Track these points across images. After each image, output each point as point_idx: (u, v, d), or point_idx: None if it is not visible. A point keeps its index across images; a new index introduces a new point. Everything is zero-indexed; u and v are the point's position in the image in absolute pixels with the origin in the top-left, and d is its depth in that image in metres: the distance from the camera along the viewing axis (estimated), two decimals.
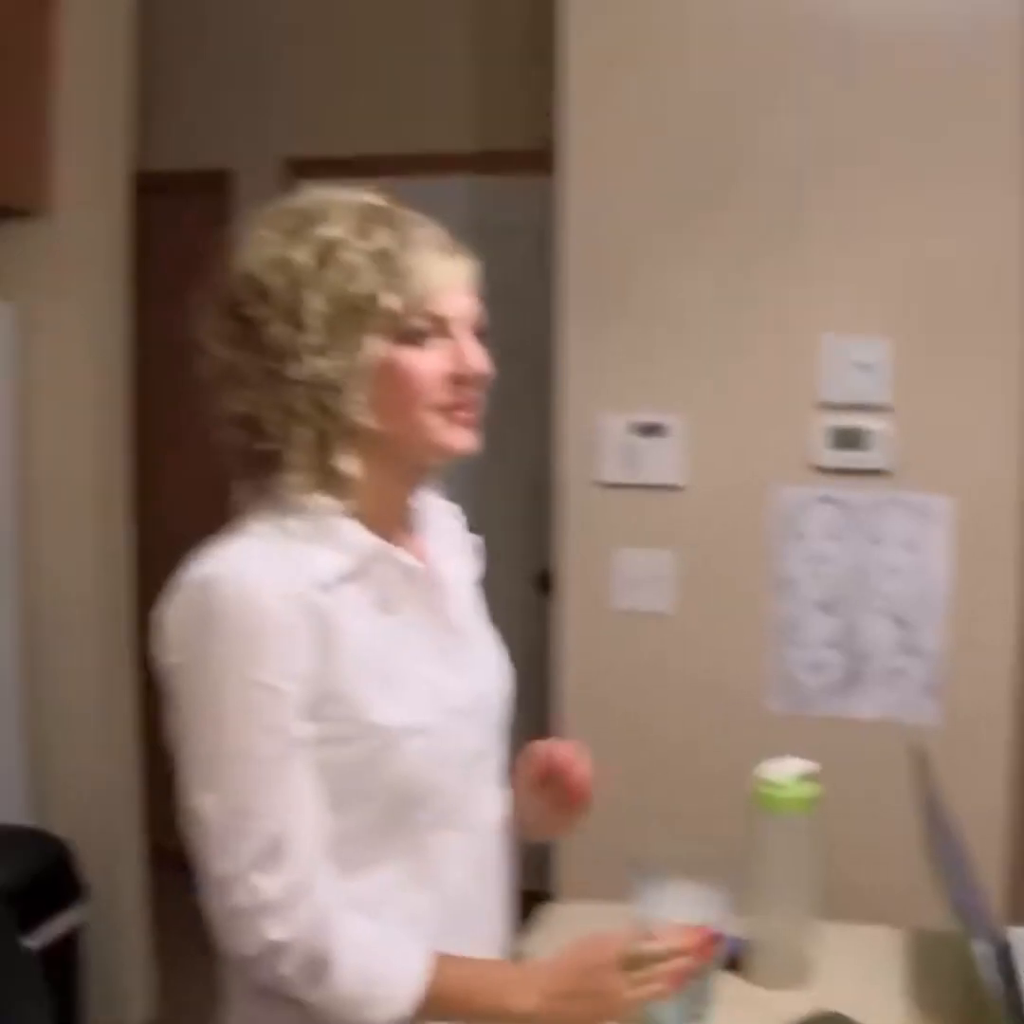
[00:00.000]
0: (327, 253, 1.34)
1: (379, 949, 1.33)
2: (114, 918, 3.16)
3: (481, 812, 1.48)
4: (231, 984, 1.43)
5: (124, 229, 3.23)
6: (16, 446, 3.12)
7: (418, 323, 1.37)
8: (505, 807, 1.55)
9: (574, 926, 1.53)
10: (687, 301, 2.82)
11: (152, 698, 3.08)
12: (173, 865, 3.39)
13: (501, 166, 4.14)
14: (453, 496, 1.59)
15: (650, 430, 2.88)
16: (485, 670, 1.53)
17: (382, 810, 1.38)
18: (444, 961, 1.33)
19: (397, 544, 1.43)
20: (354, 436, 1.37)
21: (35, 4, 3.04)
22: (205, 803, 1.32)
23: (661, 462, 2.88)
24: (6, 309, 3.08)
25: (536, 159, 3.69)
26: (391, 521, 1.44)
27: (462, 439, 1.41)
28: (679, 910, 1.47)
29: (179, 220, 4.25)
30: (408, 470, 1.46)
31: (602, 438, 2.89)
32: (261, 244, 1.37)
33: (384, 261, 1.35)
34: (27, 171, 3.06)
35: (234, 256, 1.37)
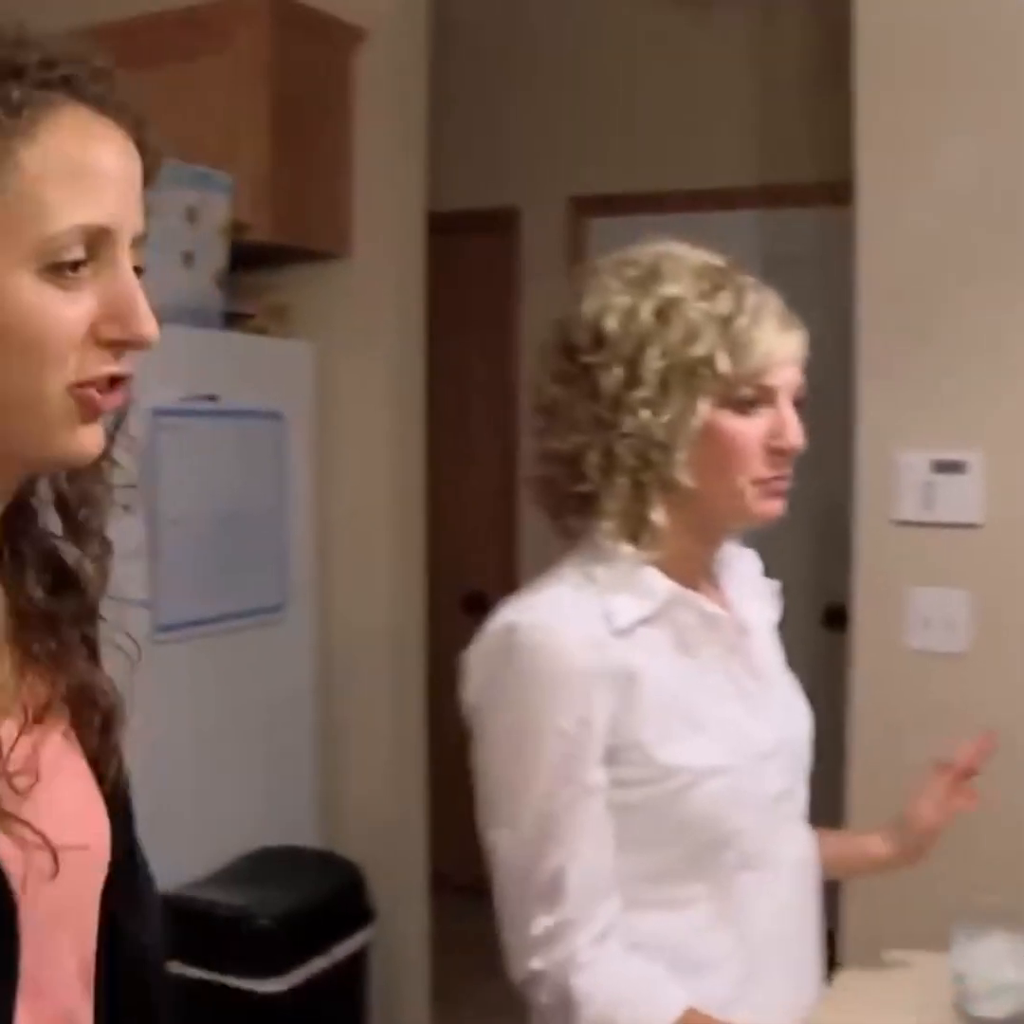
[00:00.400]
0: (670, 310, 1.38)
1: (634, 989, 1.36)
2: (398, 941, 3.22)
3: (786, 852, 1.49)
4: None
5: (419, 269, 3.33)
6: (316, 479, 3.25)
7: (748, 392, 1.39)
8: (812, 847, 1.54)
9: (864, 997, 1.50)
10: (987, 334, 2.72)
11: (439, 731, 3.17)
12: (453, 890, 3.50)
13: (785, 198, 4.11)
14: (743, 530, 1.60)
15: (948, 467, 2.79)
16: (789, 712, 1.55)
17: (686, 851, 1.41)
18: (696, 1015, 1.35)
19: (699, 593, 1.46)
20: (670, 492, 1.41)
21: (334, 57, 3.19)
22: (500, 837, 1.39)
23: (959, 499, 2.79)
24: (308, 348, 3.22)
25: (822, 191, 3.64)
26: (693, 573, 1.47)
27: (772, 509, 1.45)
28: (999, 967, 1.42)
29: (466, 258, 4.37)
30: (714, 529, 1.49)
31: (899, 475, 2.81)
32: (604, 293, 1.41)
33: (724, 326, 1.37)
34: (329, 217, 3.20)
35: (574, 299, 1.42)
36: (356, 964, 2.95)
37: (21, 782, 0.90)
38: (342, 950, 2.87)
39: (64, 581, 1.01)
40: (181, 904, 2.74)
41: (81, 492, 1.00)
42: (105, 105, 0.89)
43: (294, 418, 3.15)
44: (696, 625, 1.43)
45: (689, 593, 1.43)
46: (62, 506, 1.01)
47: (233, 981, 2.67)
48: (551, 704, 1.35)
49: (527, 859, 1.37)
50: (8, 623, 0.97)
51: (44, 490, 1.00)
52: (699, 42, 4.23)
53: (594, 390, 1.40)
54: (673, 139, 4.24)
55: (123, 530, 2.64)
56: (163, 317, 2.73)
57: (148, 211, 0.94)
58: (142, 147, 0.92)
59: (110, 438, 0.98)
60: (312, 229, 3.15)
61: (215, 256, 2.94)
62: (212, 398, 2.89)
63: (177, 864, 2.82)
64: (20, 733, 0.92)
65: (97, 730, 1.01)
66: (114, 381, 0.91)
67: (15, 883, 0.89)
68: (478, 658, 1.42)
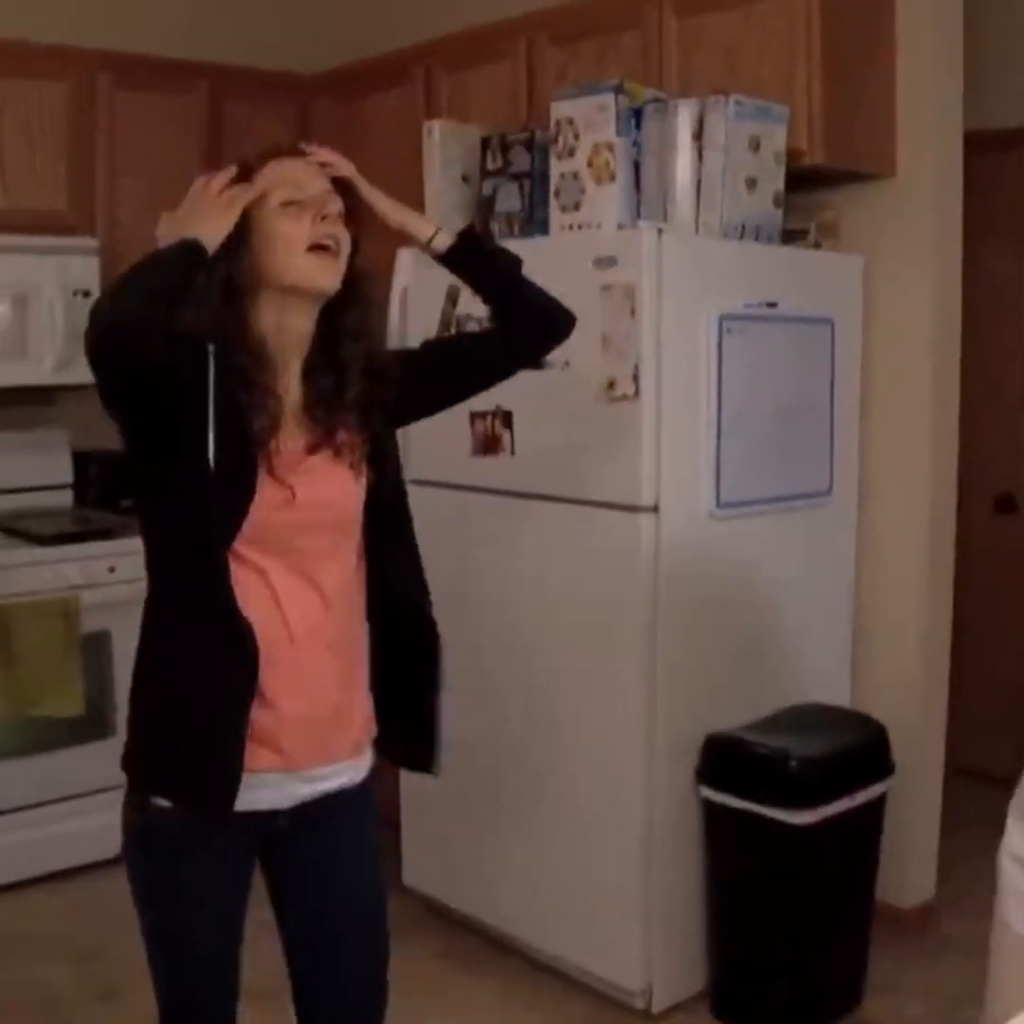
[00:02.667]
0: None
1: None
2: (912, 798, 3.55)
3: None
4: None
5: (958, 187, 3.56)
6: (861, 380, 3.61)
7: None
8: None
9: None
10: None
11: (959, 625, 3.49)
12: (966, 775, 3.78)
13: None
14: None
15: None
16: None
17: None
18: None
19: None
20: None
21: None
22: None
23: None
24: (857, 261, 3.58)
25: None
26: None
27: None
28: None
29: (1006, 176, 4.51)
30: None
31: None
32: None
33: None
34: (875, 140, 3.50)
35: None
36: (874, 810, 3.30)
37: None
38: (864, 795, 3.23)
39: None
40: (730, 744, 3.22)
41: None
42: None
43: (843, 324, 3.51)
44: None
45: None
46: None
47: (769, 812, 3.10)
48: None
49: None
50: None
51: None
52: None
53: None
54: None
55: (697, 419, 3.31)
56: (732, 234, 3.47)
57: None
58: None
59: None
60: (859, 152, 3.47)
61: (774, 180, 3.34)
62: (772, 305, 3.30)
63: (728, 711, 3.31)
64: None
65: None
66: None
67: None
68: None
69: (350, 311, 2.04)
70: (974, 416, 3.90)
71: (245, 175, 1.95)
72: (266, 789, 1.96)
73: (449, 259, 2.21)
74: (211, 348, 1.88)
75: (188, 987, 2.05)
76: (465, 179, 3.69)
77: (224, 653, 1.89)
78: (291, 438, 1.97)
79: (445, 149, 3.67)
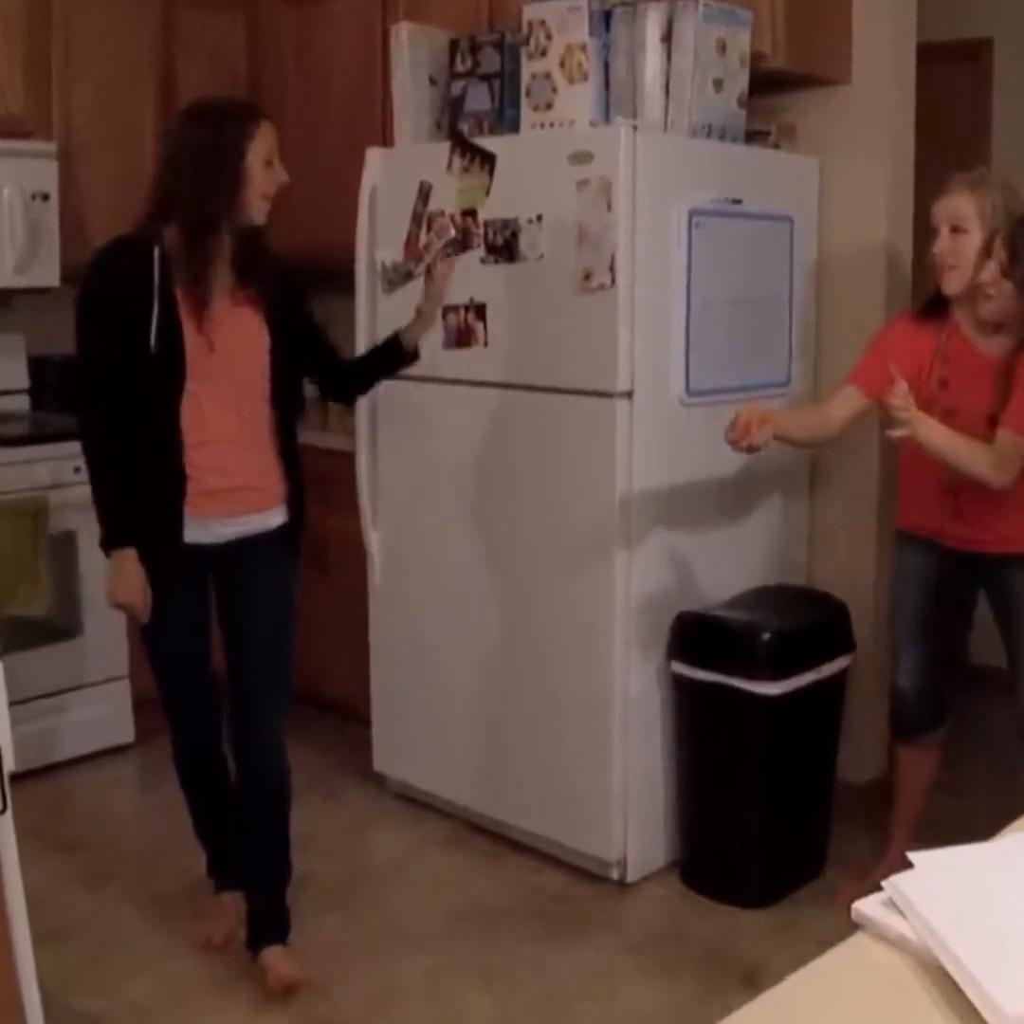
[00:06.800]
0: None
1: None
2: (864, 677, 3.71)
3: None
4: None
5: (910, 94, 3.72)
6: (817, 276, 3.76)
7: None
8: None
9: None
10: None
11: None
12: None
13: None
14: None
15: None
16: None
17: None
18: None
19: None
20: None
21: None
22: None
23: None
24: (813, 162, 3.71)
25: None
26: None
27: None
28: None
29: (939, 88, 4.67)
30: None
31: None
32: None
33: None
34: (833, 45, 3.64)
35: None
36: (837, 683, 3.48)
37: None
38: (828, 668, 3.40)
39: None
40: (701, 621, 3.37)
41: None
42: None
43: (801, 222, 3.66)
44: None
45: None
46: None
47: (740, 683, 3.25)
48: None
49: None
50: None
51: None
52: None
53: None
54: None
55: (668, 309, 3.43)
56: (700, 133, 3.61)
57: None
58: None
59: None
60: (818, 58, 3.60)
61: (739, 82, 3.45)
62: (737, 201, 3.42)
63: (696, 592, 3.46)
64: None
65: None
66: None
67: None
68: None
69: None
70: None
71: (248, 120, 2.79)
72: (201, 529, 2.85)
73: (403, 351, 3.15)
74: (156, 252, 2.71)
75: (168, 672, 3.00)
76: (432, 81, 3.75)
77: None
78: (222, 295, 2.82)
79: (413, 51, 3.72)
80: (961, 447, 2.84)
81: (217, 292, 2.78)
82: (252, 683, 2.92)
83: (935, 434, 2.82)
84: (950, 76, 4.78)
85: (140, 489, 2.79)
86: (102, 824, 3.84)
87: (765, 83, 3.56)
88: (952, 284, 2.98)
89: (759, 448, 2.95)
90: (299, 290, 3.02)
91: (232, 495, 2.87)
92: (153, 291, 2.69)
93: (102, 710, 4.23)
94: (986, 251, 2.90)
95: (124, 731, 4.29)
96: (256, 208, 2.77)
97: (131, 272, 2.70)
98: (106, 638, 4.15)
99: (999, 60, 4.76)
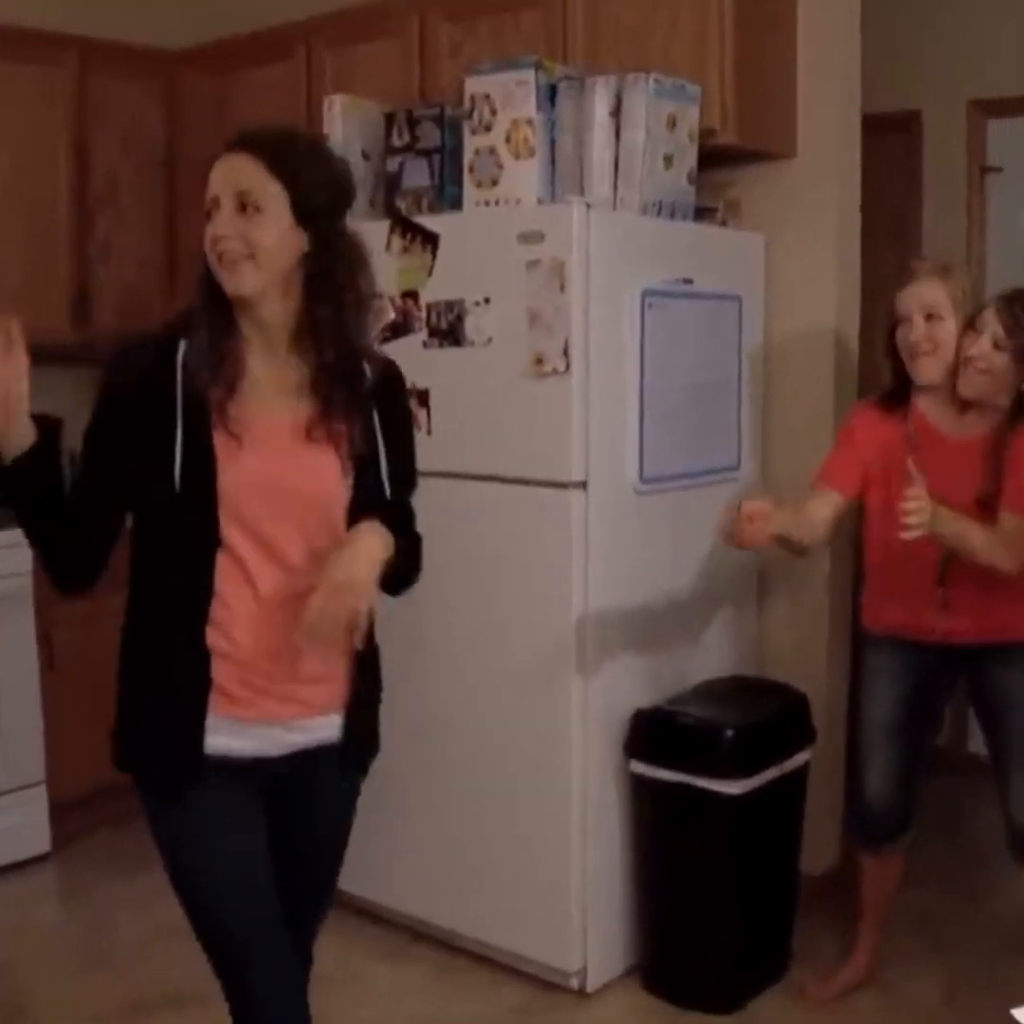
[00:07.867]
0: None
1: None
2: (819, 766, 3.59)
3: None
4: None
5: (856, 168, 3.66)
6: (764, 356, 3.67)
7: None
8: None
9: None
10: None
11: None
12: None
13: None
14: None
15: None
16: None
17: None
18: None
19: None
20: None
21: None
22: None
23: None
24: (758, 239, 3.63)
25: None
26: None
27: None
28: None
29: (874, 158, 4.64)
30: None
31: None
32: None
33: None
34: (777, 120, 3.57)
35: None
36: (800, 777, 3.35)
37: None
38: (791, 763, 3.28)
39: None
40: (660, 718, 3.23)
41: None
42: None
43: (749, 300, 3.56)
44: None
45: None
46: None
47: (703, 782, 3.11)
48: None
49: None
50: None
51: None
52: None
53: None
54: None
55: (622, 394, 3.26)
56: (651, 211, 3.42)
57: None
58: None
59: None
60: (766, 133, 3.53)
61: (689, 158, 3.36)
62: (688, 281, 3.32)
63: (652, 686, 3.33)
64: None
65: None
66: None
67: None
68: None
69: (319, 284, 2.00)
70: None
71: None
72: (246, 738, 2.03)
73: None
74: (181, 346, 1.93)
75: (225, 926, 2.02)
76: (365, 156, 3.61)
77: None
78: (269, 414, 1.99)
79: (346, 125, 3.58)
80: (978, 534, 2.74)
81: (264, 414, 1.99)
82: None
83: (952, 524, 2.70)
84: (883, 147, 4.75)
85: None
86: (21, 942, 3.57)
87: (709, 158, 3.47)
88: (930, 371, 2.89)
89: (753, 546, 2.83)
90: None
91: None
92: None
93: (14, 818, 3.96)
94: (969, 328, 2.83)
95: (40, 840, 4.02)
96: (215, 268, 1.95)
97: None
98: (21, 741, 3.90)
99: (928, 132, 4.74)
